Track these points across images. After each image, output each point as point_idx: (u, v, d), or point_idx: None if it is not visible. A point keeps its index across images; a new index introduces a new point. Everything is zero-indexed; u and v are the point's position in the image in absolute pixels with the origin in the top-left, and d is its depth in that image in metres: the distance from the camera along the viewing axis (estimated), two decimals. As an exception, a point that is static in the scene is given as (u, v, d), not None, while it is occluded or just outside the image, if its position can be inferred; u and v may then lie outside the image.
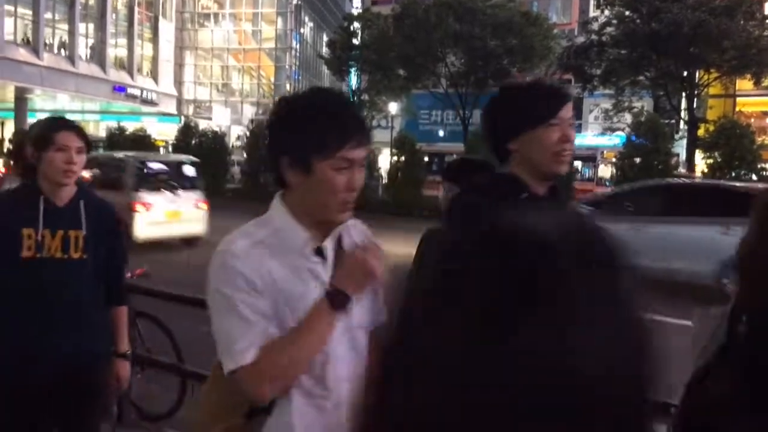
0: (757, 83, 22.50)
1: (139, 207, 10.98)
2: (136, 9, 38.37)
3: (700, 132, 20.04)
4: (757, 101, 31.00)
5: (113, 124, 28.75)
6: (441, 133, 36.65)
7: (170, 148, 26.55)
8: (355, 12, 39.39)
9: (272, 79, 54.06)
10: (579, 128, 40.62)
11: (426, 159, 21.94)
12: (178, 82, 48.67)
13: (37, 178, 2.45)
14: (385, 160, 26.00)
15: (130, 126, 28.07)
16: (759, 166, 15.38)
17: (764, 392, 1.66)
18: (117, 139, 26.18)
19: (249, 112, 49.12)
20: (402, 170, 20.44)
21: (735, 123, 16.31)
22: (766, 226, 1.71)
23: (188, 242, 11.63)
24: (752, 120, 25.50)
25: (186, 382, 4.19)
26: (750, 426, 1.64)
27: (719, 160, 15.27)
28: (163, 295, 4.30)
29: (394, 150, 21.27)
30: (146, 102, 38.67)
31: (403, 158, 20.57)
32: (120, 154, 13.80)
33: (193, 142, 24.91)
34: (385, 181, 21.93)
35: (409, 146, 20.72)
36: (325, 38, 48.44)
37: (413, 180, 20.20)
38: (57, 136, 2.39)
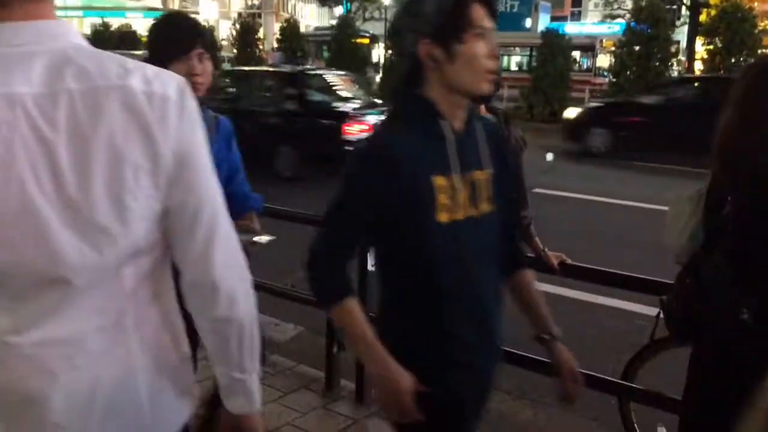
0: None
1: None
2: None
3: (702, 17, 19.49)
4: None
5: (97, 20, 27.85)
6: (436, 24, 35.50)
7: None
8: None
9: (260, -30, 51.79)
10: (578, 16, 39.45)
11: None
12: (162, -25, 46.61)
13: None
14: (378, 54, 25.39)
15: (115, 22, 27.20)
16: (760, 51, 15.06)
17: (746, 264, 1.75)
18: (102, 36, 25.44)
19: (237, 5, 47.37)
20: (396, 64, 20.03)
21: (737, 6, 15.79)
22: (745, 108, 1.74)
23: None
24: (756, 3, 24.75)
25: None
26: (731, 298, 1.73)
27: (719, 45, 14.93)
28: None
29: (388, 42, 20.74)
30: (130, -4, 37.25)
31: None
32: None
33: (181, 38, 24.18)
34: (379, 75, 21.53)
35: (403, 38, 20.19)
36: (313, -76, 45.98)
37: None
38: None
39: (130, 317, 1.10)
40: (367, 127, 8.91)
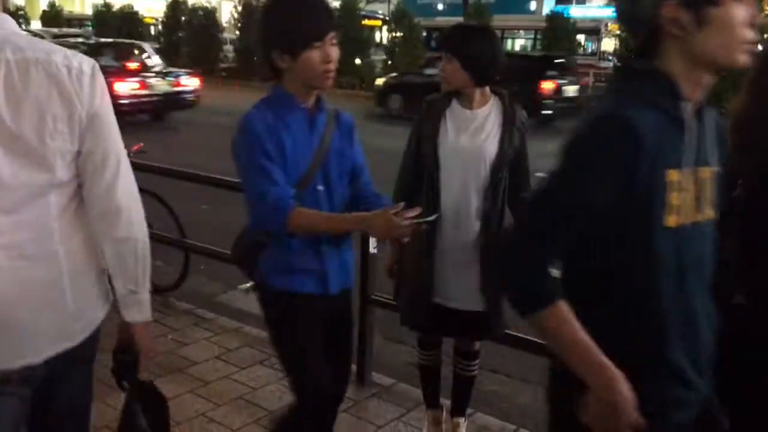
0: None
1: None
2: None
3: (709, 1, 19.29)
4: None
5: (99, 0, 27.72)
6: (440, 7, 35.32)
7: (160, 27, 25.67)
8: None
9: (263, -50, 51.24)
10: (583, -1, 39.07)
11: (425, 34, 21.27)
12: (164, -45, 46.19)
13: None
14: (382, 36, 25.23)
15: (117, 3, 27.05)
16: (765, 36, 14.92)
17: (749, 248, 1.75)
18: (104, 17, 25.34)
19: (240, -14, 46.99)
20: (400, 46, 19.89)
21: (745, -9, 15.60)
22: (758, 95, 1.75)
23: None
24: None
25: (189, 255, 4.32)
26: (730, 280, 1.74)
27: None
28: (163, 171, 4.33)
29: (391, 25, 20.60)
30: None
31: (400, 34, 19.96)
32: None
33: (183, 19, 24.09)
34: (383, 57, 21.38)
35: (407, 21, 20.04)
36: None
37: (412, 57, 19.70)
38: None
39: (57, 233, 1.49)
40: (137, 86, 12.27)
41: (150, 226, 4.78)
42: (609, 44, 25.08)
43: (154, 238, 4.52)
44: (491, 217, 2.48)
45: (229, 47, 24.59)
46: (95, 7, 27.30)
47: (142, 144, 4.48)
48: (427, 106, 2.55)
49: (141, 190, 4.83)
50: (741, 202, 1.78)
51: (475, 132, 2.46)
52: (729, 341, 1.63)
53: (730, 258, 1.75)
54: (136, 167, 4.62)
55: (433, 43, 22.22)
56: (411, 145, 2.59)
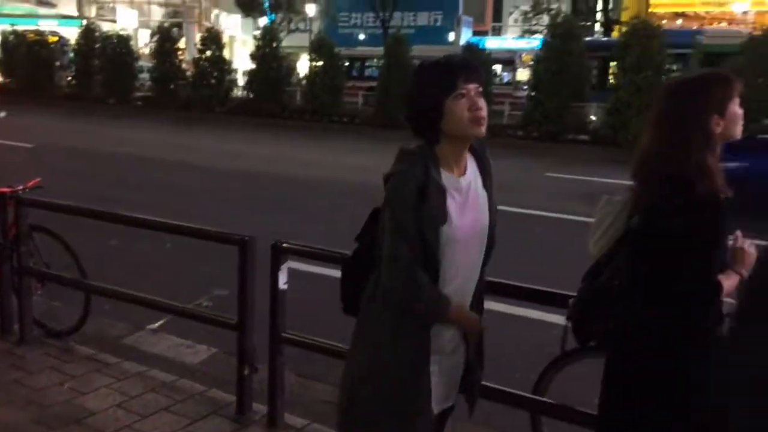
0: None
1: None
2: None
3: (614, 34, 20.33)
4: (670, 1, 31.60)
5: (8, 27, 26.65)
6: (361, 37, 35.70)
7: (71, 54, 24.84)
8: None
9: (181, -22, 50.58)
10: (498, 31, 40.47)
11: (346, 64, 21.40)
12: (78, -19, 44.89)
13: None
14: (303, 66, 25.26)
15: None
16: (667, 67, 15.80)
17: (641, 281, 1.84)
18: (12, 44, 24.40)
19: (158, 13, 46.17)
20: (320, 75, 19.92)
21: (646, 24, 16.52)
22: (660, 131, 1.88)
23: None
24: (664, 21, 26.01)
25: (90, 297, 4.08)
26: (626, 310, 1.84)
27: (630, 61, 15.56)
28: (62, 207, 4.10)
29: (312, 55, 20.62)
30: (43, 3, 35.75)
31: (321, 63, 20.00)
32: None
33: (97, 46, 23.41)
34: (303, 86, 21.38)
35: (327, 50, 20.12)
36: (236, -67, 45.38)
37: (332, 86, 19.77)
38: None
39: None
40: None
41: (47, 265, 4.51)
42: (524, 74, 25.98)
43: (50, 278, 4.28)
44: (481, 288, 2.08)
45: (145, 75, 24.00)
46: (3, 33, 26.18)
47: (39, 179, 4.25)
48: (430, 183, 1.89)
49: (35, 228, 4.58)
50: (634, 232, 1.87)
51: (474, 203, 1.99)
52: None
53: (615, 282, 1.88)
54: (33, 204, 4.39)
55: (354, 72, 22.37)
56: (408, 219, 1.86)
